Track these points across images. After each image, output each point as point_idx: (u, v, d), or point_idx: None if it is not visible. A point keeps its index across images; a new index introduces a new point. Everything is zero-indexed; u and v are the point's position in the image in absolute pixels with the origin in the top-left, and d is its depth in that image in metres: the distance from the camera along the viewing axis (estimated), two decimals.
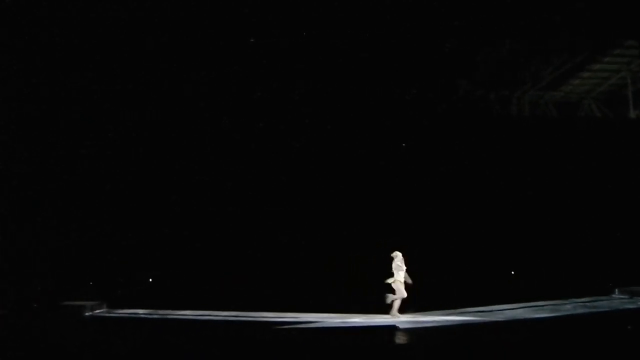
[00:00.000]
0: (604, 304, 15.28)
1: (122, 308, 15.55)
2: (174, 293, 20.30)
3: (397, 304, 12.53)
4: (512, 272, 21.16)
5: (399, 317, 12.38)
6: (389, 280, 12.44)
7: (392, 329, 11.35)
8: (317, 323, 12.26)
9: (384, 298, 12.51)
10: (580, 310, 13.83)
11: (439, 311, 13.46)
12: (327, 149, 21.30)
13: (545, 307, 14.20)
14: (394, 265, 12.49)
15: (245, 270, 21.29)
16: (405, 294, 12.48)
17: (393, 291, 12.48)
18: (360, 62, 20.15)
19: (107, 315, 14.59)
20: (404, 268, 12.51)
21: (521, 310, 13.81)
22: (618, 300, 15.86)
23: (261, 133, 21.45)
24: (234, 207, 22.13)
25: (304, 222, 21.09)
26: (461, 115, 23.14)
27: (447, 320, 12.26)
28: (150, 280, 22.21)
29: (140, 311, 14.98)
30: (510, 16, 19.04)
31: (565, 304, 14.99)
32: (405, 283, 12.45)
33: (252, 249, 22.05)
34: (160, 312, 14.71)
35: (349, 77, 20.71)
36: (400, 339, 10.50)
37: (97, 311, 15.03)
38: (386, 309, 12.70)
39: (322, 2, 18.13)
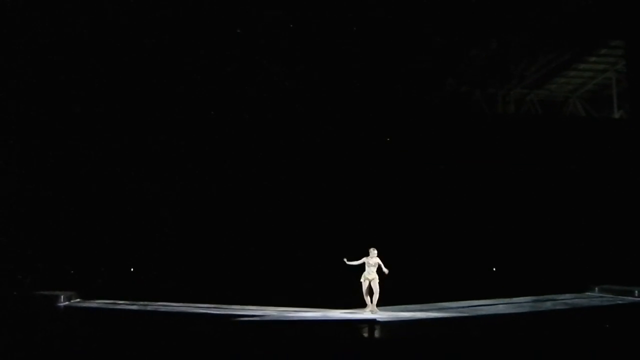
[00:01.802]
0: (583, 301, 15.36)
1: (100, 298, 15.36)
2: (158, 283, 20.15)
3: (368, 299, 12.39)
4: (494, 269, 21.21)
5: (375, 311, 12.25)
6: (370, 277, 12.29)
7: (371, 323, 11.30)
8: (296, 316, 12.19)
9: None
10: (559, 307, 13.87)
11: (419, 305, 13.44)
12: (319, 146, 21.41)
13: (524, 304, 14.22)
14: (369, 261, 12.31)
15: (239, 261, 21.44)
16: (364, 290, 12.35)
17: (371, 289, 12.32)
18: (349, 58, 20.11)
19: (81, 305, 14.33)
20: (376, 266, 12.33)
21: (501, 306, 13.81)
22: (597, 299, 15.95)
23: (255, 130, 21.60)
24: (229, 198, 22.25)
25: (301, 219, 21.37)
26: (446, 113, 23.14)
27: (427, 316, 12.22)
28: (132, 269, 22.02)
29: (120, 302, 14.76)
30: (497, 14, 19.02)
31: (545, 301, 15.04)
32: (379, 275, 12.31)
33: (248, 242, 22.19)
34: (139, 303, 14.51)
35: (339, 74, 20.68)
36: (377, 333, 10.44)
37: (73, 301, 14.80)
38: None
39: None
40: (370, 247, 12.51)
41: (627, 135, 20.58)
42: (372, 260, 12.30)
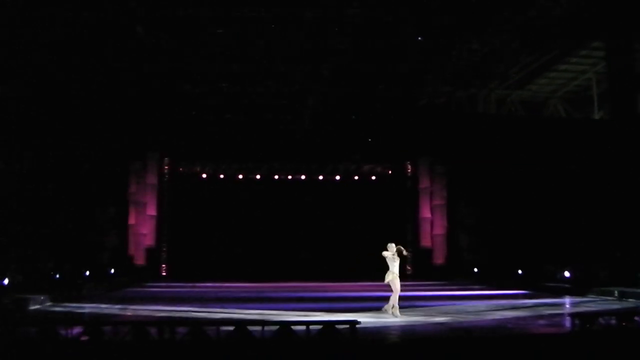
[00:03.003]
0: (575, 301, 15.37)
1: (74, 301, 14.99)
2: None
3: (394, 300, 11.93)
4: (476, 270, 21.21)
5: (398, 315, 11.82)
6: (389, 278, 11.80)
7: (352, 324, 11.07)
8: (276, 318, 11.96)
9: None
10: (540, 309, 13.74)
11: (405, 309, 13.24)
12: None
13: (505, 306, 14.13)
14: (388, 257, 11.79)
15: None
16: (399, 288, 11.87)
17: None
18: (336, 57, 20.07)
19: (54, 309, 13.87)
20: (397, 259, 11.82)
21: (492, 310, 13.65)
22: (593, 300, 15.87)
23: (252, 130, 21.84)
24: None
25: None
26: (428, 112, 23.14)
27: (413, 319, 12.01)
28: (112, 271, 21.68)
29: (97, 305, 14.36)
30: (479, 15, 19.02)
31: (535, 302, 14.98)
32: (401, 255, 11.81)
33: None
34: (118, 306, 14.14)
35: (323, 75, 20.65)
36: (359, 336, 10.23)
37: (46, 304, 14.36)
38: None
39: None
40: (388, 244, 11.91)
41: (607, 136, 20.73)
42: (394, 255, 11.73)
